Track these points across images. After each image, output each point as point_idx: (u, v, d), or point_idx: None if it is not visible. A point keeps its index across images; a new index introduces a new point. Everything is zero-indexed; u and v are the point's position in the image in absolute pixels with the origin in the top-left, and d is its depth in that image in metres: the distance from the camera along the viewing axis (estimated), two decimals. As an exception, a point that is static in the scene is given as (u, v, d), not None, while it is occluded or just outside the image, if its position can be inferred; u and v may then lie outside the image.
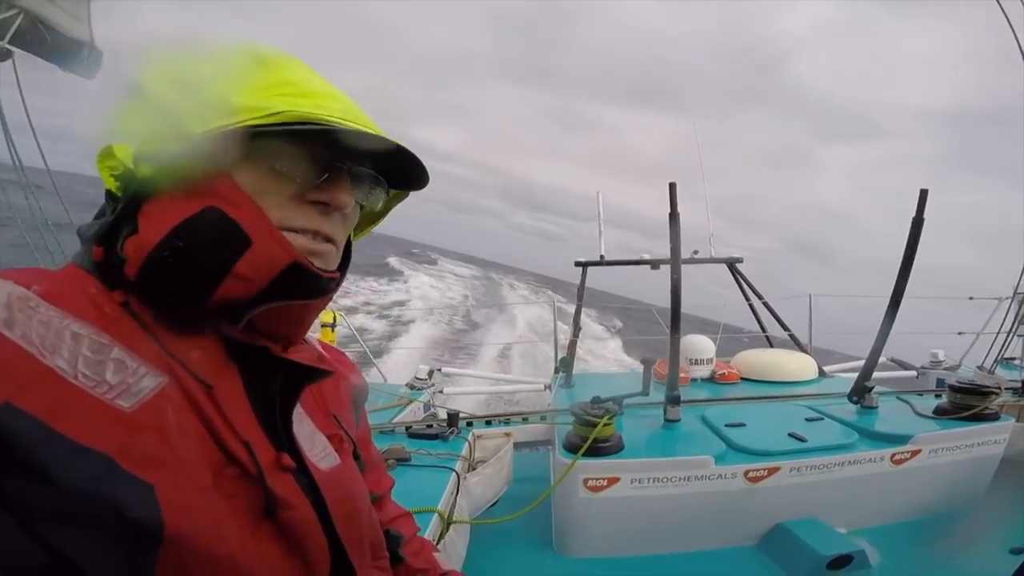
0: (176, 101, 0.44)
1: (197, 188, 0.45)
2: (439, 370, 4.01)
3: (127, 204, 0.46)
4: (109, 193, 0.49)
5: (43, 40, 1.33)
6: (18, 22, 1.42)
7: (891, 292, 2.34)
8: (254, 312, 0.48)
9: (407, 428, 2.21)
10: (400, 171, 0.57)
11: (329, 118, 0.46)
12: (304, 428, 0.54)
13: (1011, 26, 3.09)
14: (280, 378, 0.51)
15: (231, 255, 0.45)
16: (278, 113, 0.45)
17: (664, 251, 3.98)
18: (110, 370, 0.40)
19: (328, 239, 0.51)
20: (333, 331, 3.94)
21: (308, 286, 0.50)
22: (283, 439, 0.50)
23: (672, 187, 2.17)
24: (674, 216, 2.21)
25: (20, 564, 0.34)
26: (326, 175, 0.50)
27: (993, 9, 3.16)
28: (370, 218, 0.66)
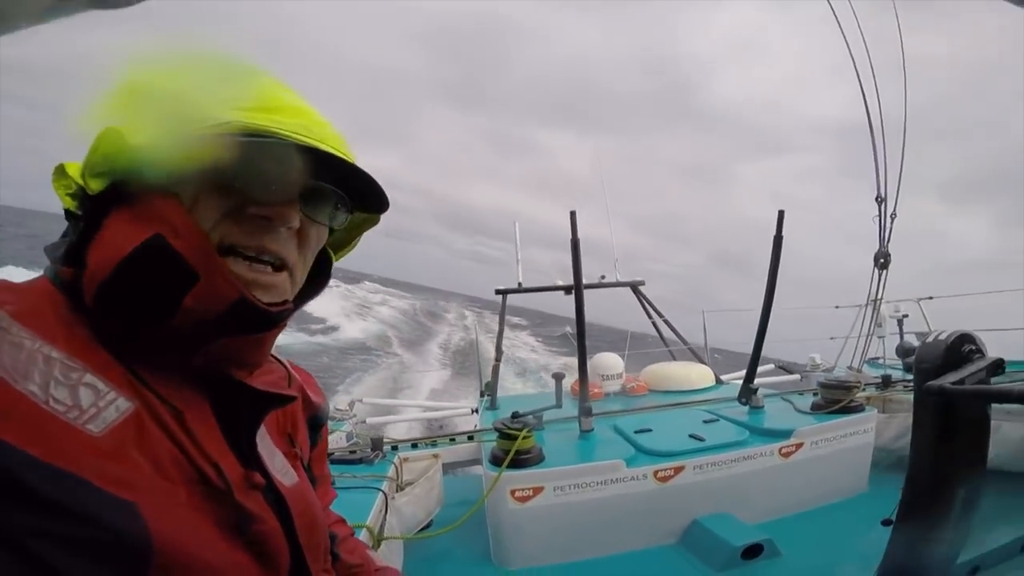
0: (127, 111, 0.43)
1: (145, 212, 0.45)
2: (360, 401, 3.94)
3: (87, 225, 0.46)
4: (68, 212, 0.48)
5: None
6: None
7: (761, 303, 2.64)
8: (208, 345, 0.49)
9: (329, 455, 2.16)
10: (363, 193, 0.56)
11: (279, 131, 0.46)
12: (266, 446, 0.56)
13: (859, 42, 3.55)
14: (246, 403, 0.53)
15: (179, 290, 0.45)
16: (225, 124, 0.44)
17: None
18: (81, 394, 0.41)
19: (277, 261, 0.50)
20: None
21: (255, 321, 0.49)
22: (250, 458, 0.52)
23: (572, 216, 2.34)
24: (575, 243, 2.37)
25: None
26: (271, 188, 0.48)
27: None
28: (342, 242, 0.66)
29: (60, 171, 0.47)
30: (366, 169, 0.54)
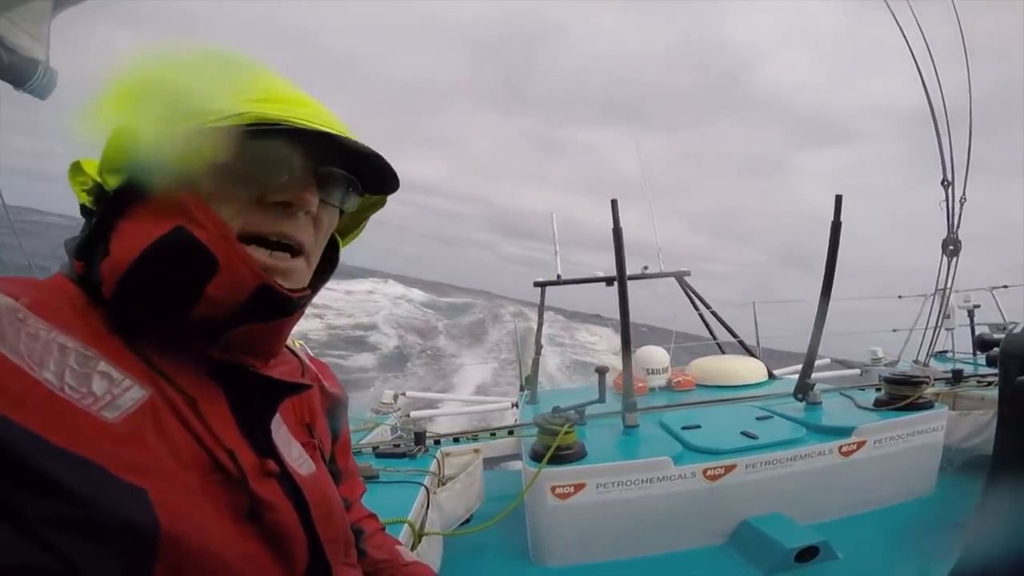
0: (139, 108, 0.44)
1: (165, 204, 0.46)
2: (403, 394, 3.99)
3: (101, 218, 0.47)
4: (84, 208, 0.50)
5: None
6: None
7: (819, 293, 2.49)
8: (229, 333, 0.49)
9: (374, 448, 2.20)
10: (372, 175, 0.57)
11: (292, 119, 0.47)
12: (282, 436, 0.56)
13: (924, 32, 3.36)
14: (260, 391, 0.53)
15: (201, 279, 0.46)
16: (239, 115, 0.45)
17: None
18: (96, 382, 0.41)
19: (296, 246, 0.51)
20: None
21: (277, 307, 0.50)
22: (265, 447, 0.51)
23: (614, 204, 2.28)
24: (617, 232, 2.31)
25: (21, 565, 0.35)
26: (288, 176, 0.50)
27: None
28: (348, 227, 0.67)
29: (76, 168, 0.49)
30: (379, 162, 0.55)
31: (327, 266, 0.61)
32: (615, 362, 3.06)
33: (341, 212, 0.59)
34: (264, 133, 0.46)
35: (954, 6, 3.42)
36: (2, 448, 0.35)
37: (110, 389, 0.42)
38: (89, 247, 0.47)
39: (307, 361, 0.69)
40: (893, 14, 3.32)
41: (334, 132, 0.49)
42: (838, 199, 2.42)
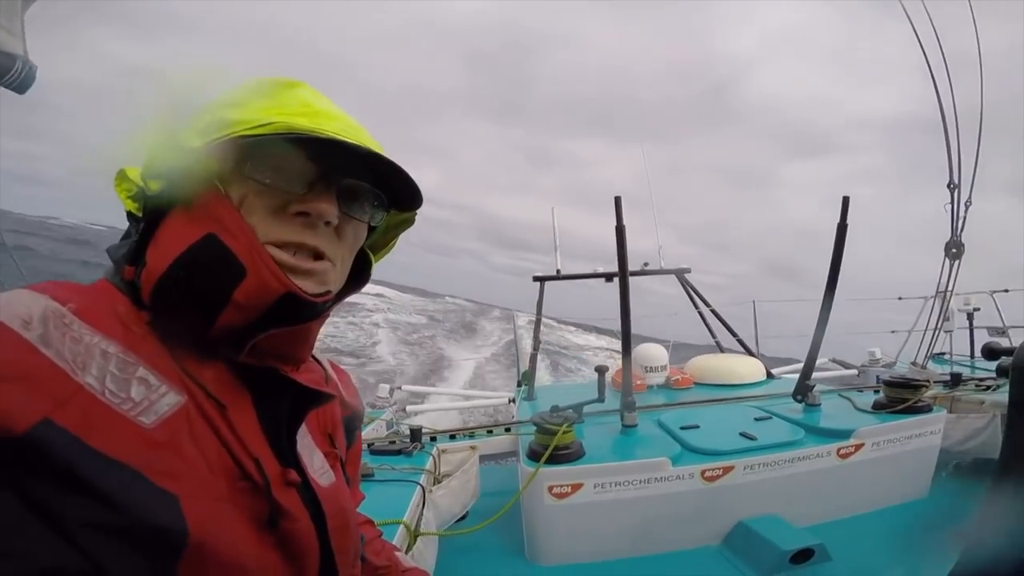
0: (179, 118, 0.47)
1: (199, 212, 0.48)
2: (400, 388, 3.98)
3: (147, 225, 0.50)
4: (130, 214, 0.52)
5: None
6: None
7: (823, 294, 2.47)
8: (256, 338, 0.50)
9: (369, 445, 2.18)
10: (399, 191, 0.58)
11: (319, 132, 0.48)
12: (305, 445, 0.57)
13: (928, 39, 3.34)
14: (287, 399, 0.54)
15: (229, 284, 0.47)
16: (268, 124, 0.47)
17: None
18: (134, 388, 0.43)
19: (316, 254, 0.52)
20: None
21: (302, 312, 0.52)
22: (288, 456, 0.53)
23: (617, 201, 2.25)
24: (620, 229, 2.28)
25: (57, 568, 0.36)
26: (308, 187, 0.51)
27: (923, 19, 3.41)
28: (379, 244, 0.68)
29: (122, 175, 0.51)
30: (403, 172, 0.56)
31: (357, 279, 0.62)
32: (614, 361, 3.05)
33: (372, 228, 0.61)
34: (290, 145, 0.48)
35: (971, 7, 3.39)
36: (44, 449, 0.36)
37: (147, 395, 0.43)
38: (139, 251, 0.49)
39: (330, 370, 0.71)
40: (907, 12, 3.27)
41: (360, 145, 0.50)
42: (845, 200, 2.40)
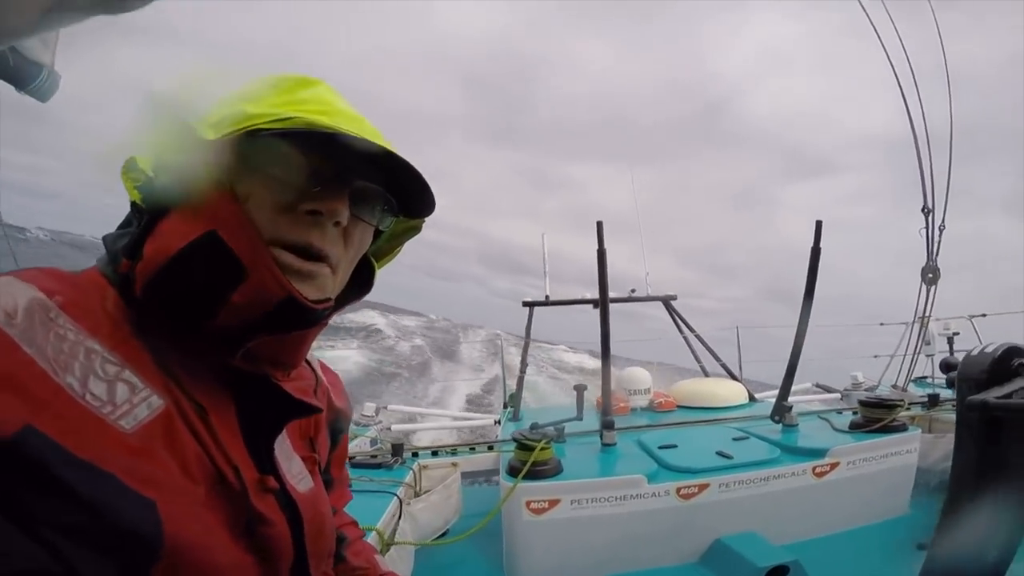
0: (195, 112, 0.46)
1: (203, 208, 0.46)
2: (386, 407, 3.97)
3: (150, 217, 0.48)
4: (134, 205, 0.50)
5: (4, 59, 1.32)
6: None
7: (797, 318, 2.52)
8: (251, 342, 0.49)
9: (350, 459, 2.19)
10: (411, 196, 0.57)
11: (338, 129, 0.47)
12: (284, 450, 0.56)
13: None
14: (271, 407, 0.53)
15: (227, 285, 0.46)
16: (287, 120, 0.46)
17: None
18: (117, 390, 0.42)
19: (321, 256, 0.50)
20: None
21: (300, 318, 0.50)
22: (266, 462, 0.52)
23: (599, 225, 2.31)
24: (601, 253, 2.33)
25: (30, 570, 0.35)
26: (321, 186, 0.50)
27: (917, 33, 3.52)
28: (384, 251, 0.66)
29: (131, 164, 0.49)
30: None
31: (362, 286, 0.62)
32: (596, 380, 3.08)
33: (378, 233, 0.59)
34: (307, 142, 0.47)
35: (938, 31, 3.52)
36: (21, 453, 0.35)
37: (130, 398, 0.43)
38: (137, 245, 0.47)
39: (320, 373, 0.70)
40: (879, 35, 3.39)
41: (376, 144, 0.49)
42: (818, 224, 2.47)
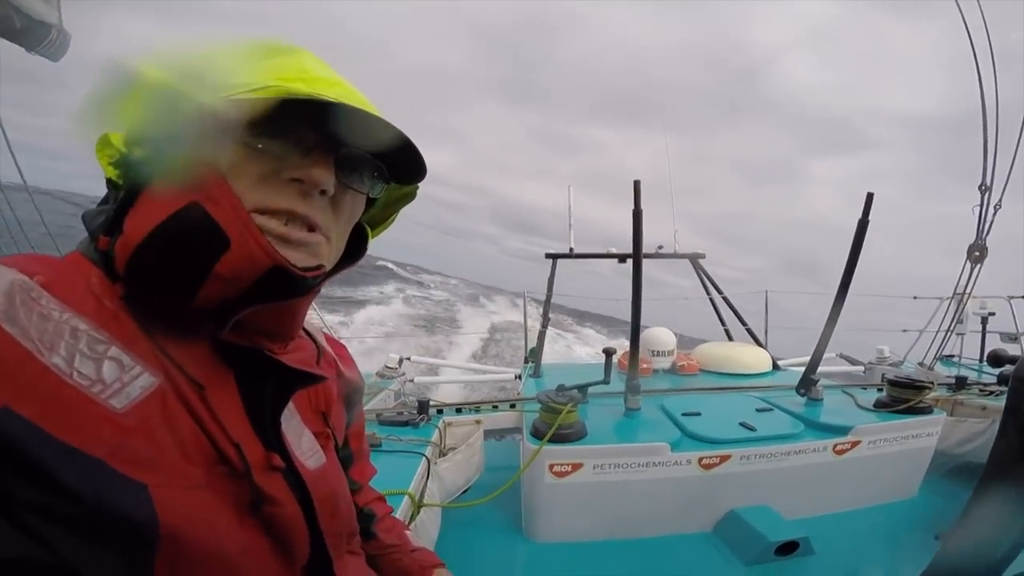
0: (170, 82, 0.43)
1: (182, 180, 0.44)
2: (409, 359, 4.05)
3: (127, 193, 0.46)
4: (110, 182, 0.49)
5: (11, 21, 1.30)
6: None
7: (837, 289, 2.45)
8: (240, 314, 0.48)
9: (377, 415, 2.25)
10: (401, 162, 0.55)
11: (317, 96, 0.45)
12: (293, 426, 0.55)
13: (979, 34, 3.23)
14: (272, 380, 0.51)
15: (210, 256, 0.44)
16: (264, 88, 0.44)
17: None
18: (105, 368, 0.40)
19: (308, 224, 0.49)
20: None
21: (289, 286, 0.48)
22: (272, 439, 0.50)
23: (636, 185, 2.24)
24: (638, 213, 2.27)
25: (16, 558, 0.34)
26: (305, 153, 0.48)
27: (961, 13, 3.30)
28: (378, 219, 0.65)
29: (104, 141, 0.47)
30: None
31: (352, 255, 0.60)
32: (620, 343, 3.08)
33: (370, 201, 0.58)
34: (288, 110, 0.45)
35: None
36: (1, 439, 0.34)
37: (120, 376, 0.41)
38: (117, 219, 0.46)
39: (324, 344, 0.68)
40: (960, 8, 3.15)
41: (360, 108, 0.47)
42: (869, 196, 2.36)
